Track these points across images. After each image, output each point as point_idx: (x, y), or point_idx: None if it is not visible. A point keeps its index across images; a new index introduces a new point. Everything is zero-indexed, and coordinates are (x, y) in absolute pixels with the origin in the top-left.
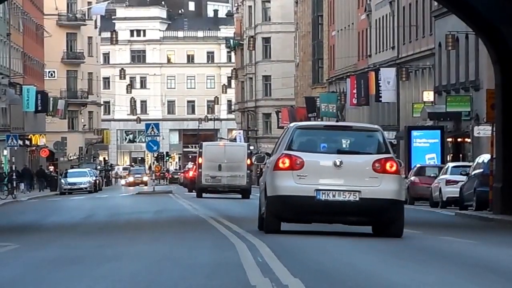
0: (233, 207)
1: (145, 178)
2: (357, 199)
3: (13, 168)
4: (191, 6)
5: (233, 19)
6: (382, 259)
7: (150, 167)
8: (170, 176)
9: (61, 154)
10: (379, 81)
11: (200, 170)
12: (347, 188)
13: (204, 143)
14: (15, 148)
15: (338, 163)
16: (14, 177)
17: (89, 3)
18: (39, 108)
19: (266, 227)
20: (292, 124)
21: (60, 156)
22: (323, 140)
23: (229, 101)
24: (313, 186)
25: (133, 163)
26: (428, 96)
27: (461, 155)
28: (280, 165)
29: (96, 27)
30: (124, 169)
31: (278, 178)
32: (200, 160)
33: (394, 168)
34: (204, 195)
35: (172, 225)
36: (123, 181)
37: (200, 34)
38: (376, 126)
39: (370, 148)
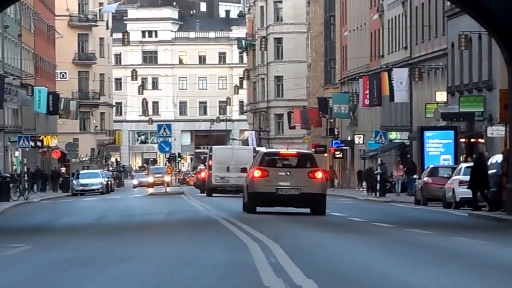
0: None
1: (167, 178)
2: (299, 193)
3: (25, 169)
4: (203, 6)
5: (245, 19)
6: (395, 259)
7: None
8: (181, 177)
9: (73, 155)
10: (392, 82)
11: (210, 171)
12: (293, 187)
13: (214, 147)
14: (27, 149)
15: (288, 173)
16: (25, 178)
17: (101, 3)
18: (51, 109)
19: (248, 210)
20: (261, 151)
21: (72, 157)
22: (280, 160)
23: (241, 102)
24: (274, 186)
25: (145, 164)
26: (441, 96)
27: (474, 156)
28: (255, 174)
29: (107, 28)
30: (137, 171)
31: (255, 182)
32: (210, 162)
33: (319, 176)
34: (213, 194)
35: (185, 226)
36: (135, 181)
37: (212, 34)
38: (309, 152)
39: (306, 164)
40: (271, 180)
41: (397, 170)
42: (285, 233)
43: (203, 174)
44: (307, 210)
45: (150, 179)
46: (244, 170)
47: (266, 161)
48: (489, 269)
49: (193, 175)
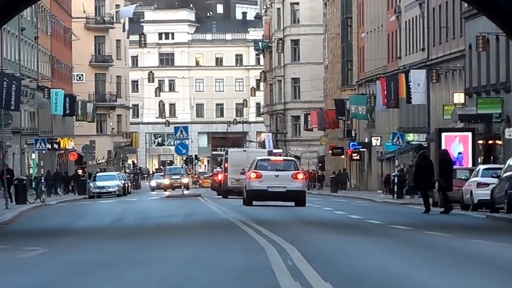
0: (262, 211)
1: (185, 180)
2: (285, 190)
3: (42, 172)
4: (220, 8)
5: (262, 21)
6: (413, 262)
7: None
8: (196, 177)
9: (90, 157)
10: (409, 83)
11: (226, 174)
12: (281, 185)
13: (229, 150)
14: (44, 152)
15: (277, 175)
16: (42, 181)
17: (117, 6)
18: (67, 111)
19: (246, 204)
20: (256, 158)
21: (89, 160)
22: (271, 164)
23: (258, 104)
24: (266, 185)
25: (162, 166)
26: (459, 98)
27: (492, 157)
28: (252, 176)
29: (124, 30)
30: (156, 172)
31: (251, 182)
32: (226, 165)
33: (301, 177)
34: (229, 196)
35: (202, 229)
36: (153, 183)
37: (228, 36)
38: (292, 158)
39: (290, 168)
40: (263, 181)
41: None
42: (302, 236)
43: (219, 177)
44: (292, 204)
45: (166, 181)
46: (243, 173)
47: (259, 166)
48: (508, 271)
49: (206, 177)
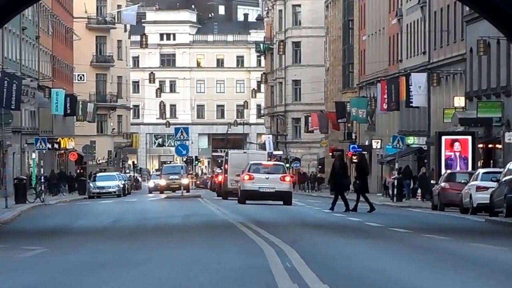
0: (262, 212)
1: (185, 181)
2: (274, 191)
3: (42, 172)
4: (221, 10)
5: (263, 23)
6: (412, 265)
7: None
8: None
9: (90, 157)
10: (410, 86)
11: (226, 175)
12: (270, 186)
13: (229, 151)
14: (44, 151)
15: (267, 177)
16: (42, 180)
17: (119, 6)
18: (68, 111)
19: (240, 202)
20: (250, 162)
21: (89, 160)
22: (262, 168)
23: (259, 106)
24: (258, 186)
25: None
26: (459, 101)
27: (492, 161)
28: (245, 178)
29: (125, 31)
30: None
31: (245, 183)
32: (226, 166)
33: (288, 179)
34: (228, 198)
35: (201, 230)
36: (151, 183)
37: (230, 38)
38: (281, 163)
39: (279, 171)
40: (255, 182)
41: (389, 175)
42: (301, 238)
43: (219, 178)
44: (280, 203)
45: (163, 181)
46: (238, 175)
47: (252, 169)
48: (506, 275)
49: (201, 178)
